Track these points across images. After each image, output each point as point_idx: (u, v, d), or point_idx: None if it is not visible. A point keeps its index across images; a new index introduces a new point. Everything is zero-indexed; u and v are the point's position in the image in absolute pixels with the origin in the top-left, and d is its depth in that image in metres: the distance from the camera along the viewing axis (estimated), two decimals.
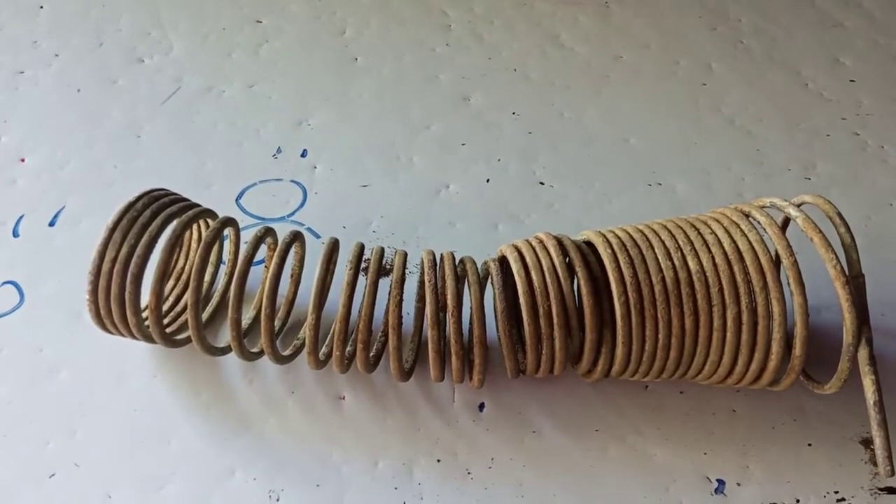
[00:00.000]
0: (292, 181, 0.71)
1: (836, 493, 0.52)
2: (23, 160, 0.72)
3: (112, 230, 0.51)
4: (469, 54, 0.84)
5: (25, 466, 0.53)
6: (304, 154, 0.73)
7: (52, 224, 0.67)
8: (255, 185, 0.70)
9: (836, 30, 0.87)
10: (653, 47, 0.85)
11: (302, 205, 0.69)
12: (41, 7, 0.88)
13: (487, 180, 0.71)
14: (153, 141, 0.74)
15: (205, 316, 0.59)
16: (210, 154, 0.73)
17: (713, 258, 0.48)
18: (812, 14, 0.89)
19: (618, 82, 0.81)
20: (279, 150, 0.73)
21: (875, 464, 0.52)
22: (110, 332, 0.54)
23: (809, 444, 0.54)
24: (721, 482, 0.52)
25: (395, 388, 0.57)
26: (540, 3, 0.90)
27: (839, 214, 0.50)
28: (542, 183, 0.71)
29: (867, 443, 0.54)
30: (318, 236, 0.66)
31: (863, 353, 0.48)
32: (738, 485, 0.52)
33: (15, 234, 0.66)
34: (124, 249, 0.50)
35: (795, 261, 0.48)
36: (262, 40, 0.85)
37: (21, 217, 0.67)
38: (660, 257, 0.49)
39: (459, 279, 0.52)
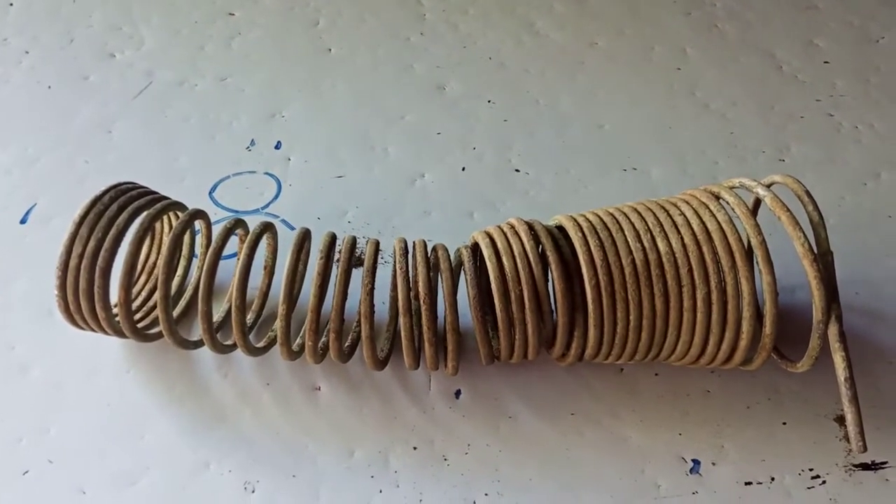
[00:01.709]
0: (266, 173, 0.70)
1: (811, 470, 0.52)
2: None
3: (79, 225, 0.50)
4: (444, 43, 0.83)
5: None
6: (277, 146, 0.73)
7: (23, 221, 0.66)
8: (228, 178, 0.70)
9: (810, 12, 0.87)
10: (628, 33, 0.85)
11: (276, 197, 0.68)
12: (11, 4, 0.87)
13: (463, 169, 0.71)
14: (125, 136, 0.73)
15: (178, 310, 0.59)
16: (183, 148, 0.72)
17: (682, 239, 0.48)
18: None
19: (593, 69, 0.81)
20: (253, 143, 0.73)
21: (849, 440, 0.52)
22: (81, 328, 0.53)
23: (784, 423, 0.54)
24: (696, 462, 0.52)
25: (371, 377, 0.56)
26: None
27: (807, 193, 0.50)
28: (517, 170, 0.71)
29: (841, 420, 0.54)
30: (292, 228, 0.66)
31: (833, 330, 0.48)
32: (714, 464, 0.52)
33: None
34: (91, 244, 0.49)
35: (763, 240, 0.48)
36: (235, 33, 0.84)
37: None
38: (630, 240, 0.49)
39: (432, 267, 0.52)
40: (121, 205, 0.51)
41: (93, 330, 0.53)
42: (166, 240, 0.60)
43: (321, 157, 0.72)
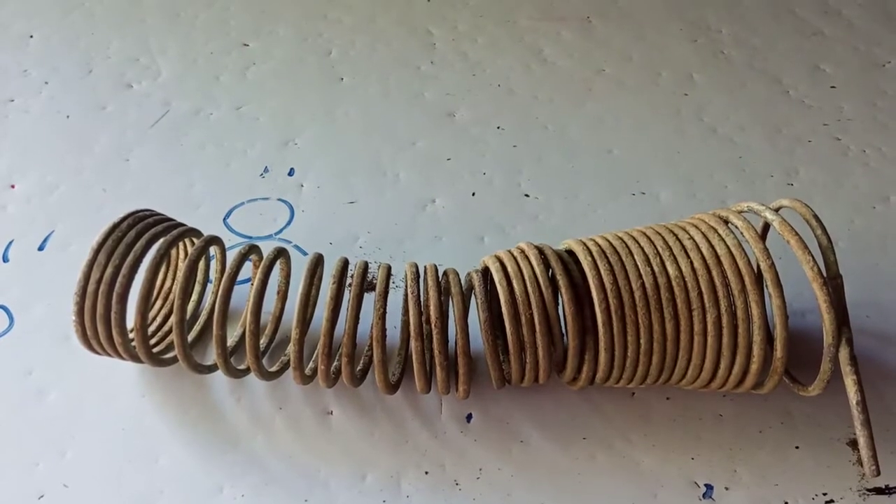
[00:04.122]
0: (279, 200, 0.71)
1: (825, 494, 0.52)
2: (13, 186, 0.73)
3: (97, 251, 0.51)
4: (453, 71, 0.85)
5: (15, 488, 0.53)
6: (291, 173, 0.74)
7: (41, 248, 0.68)
8: (242, 205, 0.71)
9: (816, 38, 0.88)
10: (634, 60, 0.86)
11: (289, 223, 0.69)
12: (31, 36, 0.90)
13: (473, 194, 0.72)
14: (142, 164, 0.75)
15: (193, 335, 0.60)
16: (198, 175, 0.74)
17: (692, 263, 0.49)
18: (792, 23, 0.90)
19: (601, 95, 0.82)
20: (266, 170, 0.74)
21: (862, 464, 0.52)
22: (97, 353, 0.54)
23: (797, 447, 0.54)
24: (709, 487, 0.52)
25: (383, 401, 0.57)
26: (523, 20, 0.91)
27: (816, 217, 0.50)
28: (527, 195, 0.72)
29: (854, 444, 0.54)
30: (305, 253, 0.67)
31: (843, 354, 0.48)
32: (727, 489, 0.52)
33: (5, 258, 0.67)
34: (109, 270, 0.50)
35: (773, 264, 0.48)
36: (250, 63, 0.86)
37: (11, 242, 0.68)
38: (639, 263, 0.49)
39: (443, 291, 0.53)
40: (138, 231, 0.52)
41: (109, 355, 0.54)
42: (182, 266, 0.61)
43: (333, 184, 0.73)
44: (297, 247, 0.67)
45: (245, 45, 0.88)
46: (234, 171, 0.74)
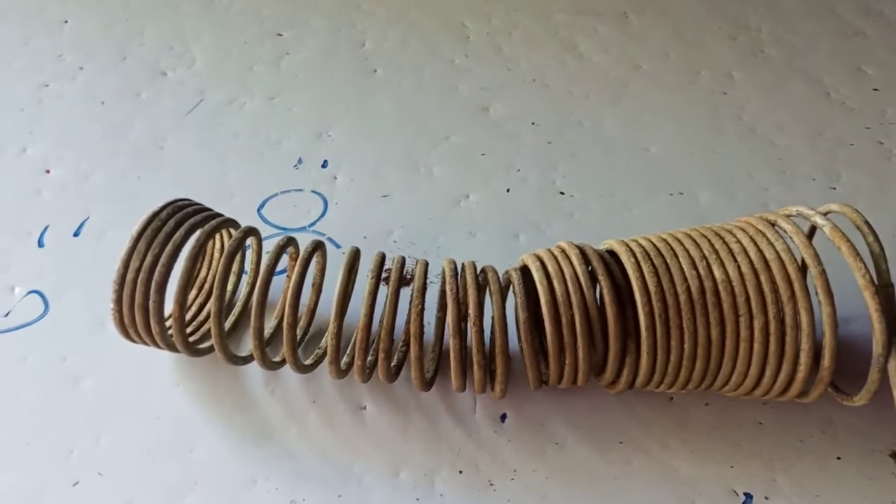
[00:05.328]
0: (313, 192, 0.71)
1: None
2: (48, 171, 0.73)
3: (136, 240, 0.51)
4: (488, 65, 0.84)
5: (49, 475, 0.53)
6: (324, 165, 0.73)
7: (76, 234, 0.68)
8: (276, 196, 0.70)
9: (858, 38, 0.86)
10: (672, 57, 0.84)
11: (323, 215, 0.69)
12: (66, 22, 0.90)
13: (507, 190, 0.71)
14: (176, 152, 0.75)
15: (227, 325, 0.59)
16: (232, 165, 0.73)
17: (739, 267, 0.48)
18: (833, 23, 0.88)
19: (637, 92, 0.81)
20: (300, 161, 0.74)
21: None
22: (134, 341, 0.54)
23: (838, 458, 0.53)
24: (748, 496, 0.51)
25: (417, 398, 0.56)
26: (558, 14, 0.90)
27: (867, 223, 0.49)
28: (562, 192, 0.71)
29: None
30: (338, 246, 0.66)
31: (893, 364, 0.47)
32: (766, 499, 0.51)
33: (40, 244, 0.67)
34: (148, 259, 0.50)
35: (823, 270, 0.47)
36: (283, 53, 0.85)
37: (46, 227, 0.68)
38: (684, 266, 0.48)
39: (481, 288, 0.52)
40: (177, 221, 0.52)
41: (145, 343, 0.54)
42: (217, 255, 0.61)
43: (367, 177, 0.72)
44: (330, 239, 0.67)
45: (279, 34, 0.88)
46: (268, 162, 0.74)
